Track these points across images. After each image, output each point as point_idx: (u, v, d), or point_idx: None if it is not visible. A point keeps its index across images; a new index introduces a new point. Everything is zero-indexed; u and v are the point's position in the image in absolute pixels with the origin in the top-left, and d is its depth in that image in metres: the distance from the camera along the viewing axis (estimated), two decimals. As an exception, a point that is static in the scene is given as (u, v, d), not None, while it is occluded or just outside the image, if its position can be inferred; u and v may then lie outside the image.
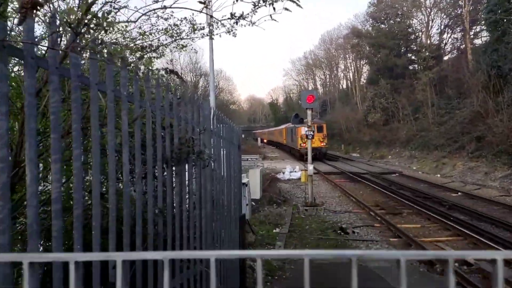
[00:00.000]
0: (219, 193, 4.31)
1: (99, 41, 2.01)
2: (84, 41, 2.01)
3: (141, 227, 2.45)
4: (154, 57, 5.15)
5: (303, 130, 27.36)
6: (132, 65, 2.67)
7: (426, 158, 28.22)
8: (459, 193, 16.14)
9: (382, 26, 49.33)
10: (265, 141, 56.27)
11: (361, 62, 60.69)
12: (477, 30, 39.20)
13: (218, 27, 4.32)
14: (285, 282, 5.97)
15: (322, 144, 30.11)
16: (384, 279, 6.46)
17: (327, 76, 77.39)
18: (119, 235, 2.22)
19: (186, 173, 3.31)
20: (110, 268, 2.15)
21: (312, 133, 12.74)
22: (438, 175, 22.62)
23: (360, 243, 9.38)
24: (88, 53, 1.92)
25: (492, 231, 9.71)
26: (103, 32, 2.02)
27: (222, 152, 4.48)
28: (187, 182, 3.34)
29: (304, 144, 24.93)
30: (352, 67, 65.66)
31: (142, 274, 2.34)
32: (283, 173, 23.71)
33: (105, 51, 2.00)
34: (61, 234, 1.75)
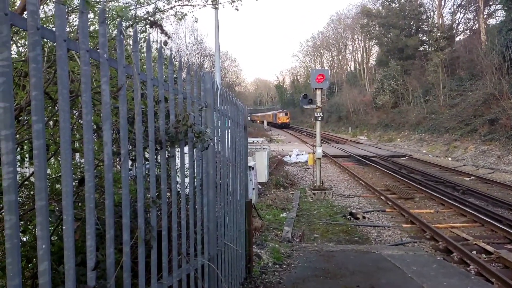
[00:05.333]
0: (224, 178, 3.91)
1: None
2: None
3: (130, 219, 2.06)
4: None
5: (280, 114, 66.95)
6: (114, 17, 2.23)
7: (436, 141, 27.60)
8: (472, 177, 15.65)
9: (393, 5, 47.84)
10: (258, 121, 74.87)
11: (370, 43, 59.45)
12: (491, 10, 37.87)
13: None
14: (294, 272, 5.62)
15: (287, 120, 64.83)
16: (399, 268, 6.09)
17: (335, 57, 76.03)
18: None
19: (186, 156, 2.91)
20: (89, 270, 1.77)
21: (321, 115, 12.54)
22: (449, 159, 22.08)
23: (371, 229, 9.00)
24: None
25: (511, 218, 9.27)
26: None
27: (226, 132, 4.05)
28: (186, 166, 2.93)
29: (280, 120, 64.45)
30: (361, 48, 64.37)
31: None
32: (290, 156, 23.29)
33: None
34: (17, 234, 1.35)
